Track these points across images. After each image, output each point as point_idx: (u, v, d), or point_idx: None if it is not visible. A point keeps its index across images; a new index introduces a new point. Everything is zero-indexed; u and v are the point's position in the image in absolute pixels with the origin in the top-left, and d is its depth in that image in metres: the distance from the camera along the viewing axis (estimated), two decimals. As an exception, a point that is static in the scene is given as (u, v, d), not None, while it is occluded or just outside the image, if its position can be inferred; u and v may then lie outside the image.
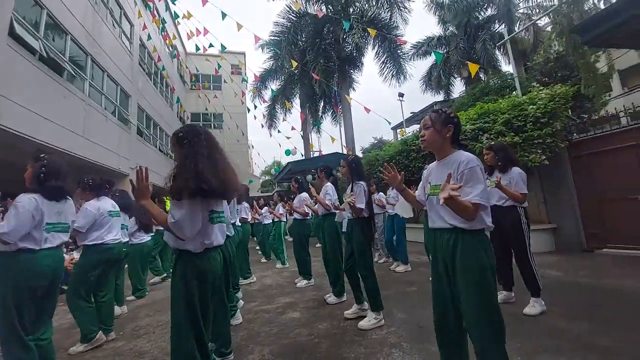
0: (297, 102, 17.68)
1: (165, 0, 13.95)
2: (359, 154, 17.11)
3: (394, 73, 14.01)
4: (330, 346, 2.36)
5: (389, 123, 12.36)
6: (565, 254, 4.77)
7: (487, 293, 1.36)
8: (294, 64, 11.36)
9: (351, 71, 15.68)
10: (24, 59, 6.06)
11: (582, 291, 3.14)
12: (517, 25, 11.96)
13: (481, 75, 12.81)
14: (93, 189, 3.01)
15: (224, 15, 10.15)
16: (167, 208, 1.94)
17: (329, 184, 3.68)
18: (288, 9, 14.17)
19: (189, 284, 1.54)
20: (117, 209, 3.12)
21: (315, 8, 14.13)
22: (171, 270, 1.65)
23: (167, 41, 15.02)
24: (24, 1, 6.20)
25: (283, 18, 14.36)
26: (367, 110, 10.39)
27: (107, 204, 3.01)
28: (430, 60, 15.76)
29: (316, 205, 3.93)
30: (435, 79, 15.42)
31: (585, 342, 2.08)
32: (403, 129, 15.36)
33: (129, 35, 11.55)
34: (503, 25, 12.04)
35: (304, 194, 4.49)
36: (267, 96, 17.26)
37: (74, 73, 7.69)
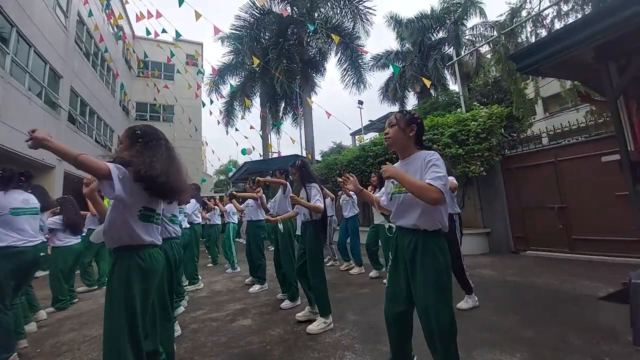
0: (257, 100, 17.25)
1: (111, -25, 12.50)
2: (318, 157, 17.28)
3: (354, 81, 14.52)
4: (283, 353, 2.28)
5: (349, 129, 12.76)
6: (497, 256, 5.36)
7: (446, 292, 1.46)
8: (256, 61, 11.05)
9: (314, 75, 15.84)
10: None
11: (509, 288, 3.54)
12: (464, 49, 13.28)
13: (431, 92, 13.91)
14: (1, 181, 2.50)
15: (180, 1, 9.46)
16: (106, 203, 1.79)
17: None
18: (251, 4, 13.80)
19: (129, 285, 1.44)
20: (32, 205, 2.66)
21: (280, 7, 14.00)
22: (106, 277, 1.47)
23: (112, 20, 13.50)
24: None
25: (246, 12, 13.96)
26: (328, 114, 10.55)
27: (14, 199, 2.53)
28: (388, 72, 16.66)
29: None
30: (392, 91, 16.34)
31: (513, 335, 2.33)
32: (361, 136, 15.92)
33: (64, 9, 10.10)
34: (452, 48, 13.27)
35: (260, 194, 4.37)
36: (225, 91, 16.55)
37: (-12, 43, 6.45)
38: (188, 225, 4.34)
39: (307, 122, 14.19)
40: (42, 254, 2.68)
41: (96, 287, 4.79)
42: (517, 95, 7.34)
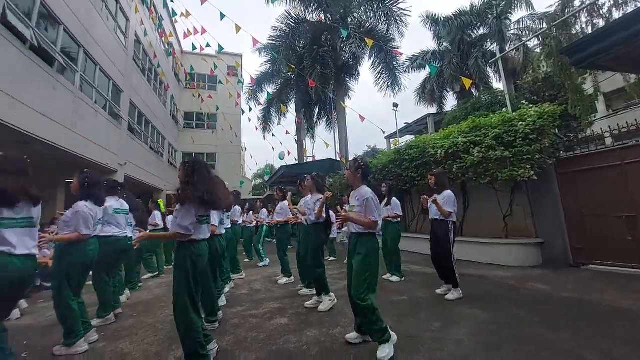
0: (292, 106, 17.73)
1: (163, -2, 13.84)
2: (352, 161, 17.21)
3: (389, 84, 14.27)
4: (319, 354, 2.31)
5: (383, 132, 12.58)
6: (552, 268, 4.86)
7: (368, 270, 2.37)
8: (291, 68, 11.41)
9: (347, 79, 15.89)
10: (14, 47, 5.87)
11: (565, 305, 3.20)
12: (508, 45, 12.41)
13: (473, 91, 13.17)
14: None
15: (222, 15, 10.15)
16: (162, 208, 2.37)
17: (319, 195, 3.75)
18: (287, 14, 14.31)
19: (187, 266, 2.15)
20: (125, 207, 3.65)
21: (314, 15, 14.33)
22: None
23: (164, 38, 14.88)
24: (17, -12, 6.03)
25: (282, 23, 14.49)
26: (362, 118, 10.51)
27: (115, 201, 3.53)
28: (424, 73, 16.16)
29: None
30: (429, 92, 15.78)
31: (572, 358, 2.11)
32: (396, 139, 15.57)
33: (124, 30, 11.38)
34: (495, 44, 12.47)
35: (285, 203, 5.03)
36: (262, 99, 17.27)
37: (65, 64, 7.49)
38: (229, 226, 4.81)
39: (340, 126, 14.24)
40: (129, 242, 3.55)
41: (157, 273, 5.89)
42: (573, 91, 6.68)
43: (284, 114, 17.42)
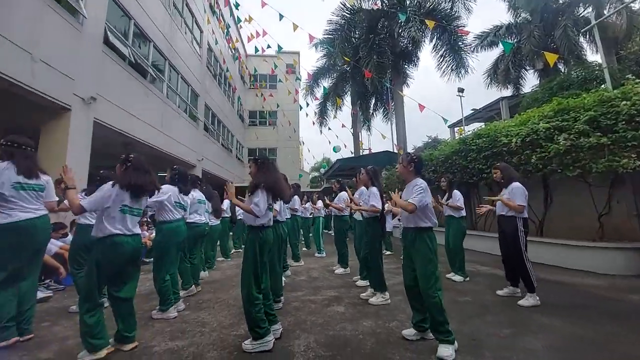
0: (348, 99, 17.66)
1: (229, 6, 15.07)
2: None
3: (453, 67, 13.06)
4: (376, 345, 2.35)
5: (445, 121, 11.54)
6: (666, 280, 3.94)
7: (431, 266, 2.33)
8: (347, 60, 11.34)
9: (405, 66, 15.08)
10: (116, 64, 7.16)
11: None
12: (607, 8, 10.15)
13: (560, 67, 11.20)
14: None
15: (281, 16, 10.60)
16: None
17: (372, 188, 3.70)
18: (342, 5, 14.17)
19: (255, 250, 2.43)
20: (203, 197, 4.19)
21: (371, 3, 13.88)
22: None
23: (231, 44, 16.24)
24: (114, 12, 7.27)
25: (337, 15, 14.41)
26: (422, 107, 9.91)
27: (197, 193, 4.08)
28: (497, 51, 14.34)
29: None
30: (503, 72, 13.98)
31: None
32: (461, 127, 14.28)
33: (199, 41, 12.81)
34: (589, 9, 10.34)
35: (344, 194, 5.08)
36: (318, 94, 17.60)
37: (154, 75, 8.83)
38: (289, 216, 5.03)
39: (398, 117, 13.67)
40: (206, 228, 4.19)
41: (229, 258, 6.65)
42: None
43: (340, 107, 17.47)
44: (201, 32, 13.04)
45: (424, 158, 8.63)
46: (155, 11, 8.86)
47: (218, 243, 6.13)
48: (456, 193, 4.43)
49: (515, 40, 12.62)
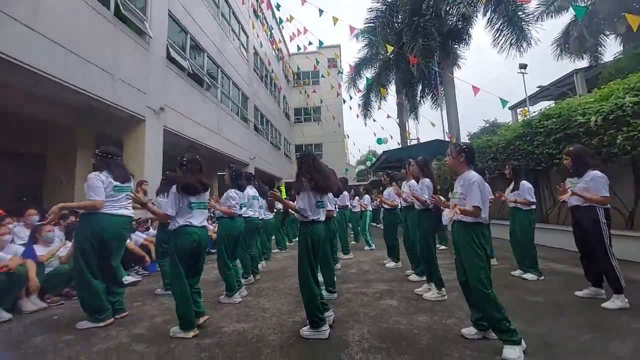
0: (392, 88, 16.99)
1: (271, 8, 15.60)
2: (465, 139, 15.20)
3: (512, 41, 11.62)
4: (432, 341, 2.30)
5: (505, 102, 10.32)
6: None
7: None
8: (389, 48, 10.90)
9: (455, 46, 13.89)
10: (178, 76, 7.97)
11: None
12: None
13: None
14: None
15: (320, 12, 10.61)
16: (283, 195, 2.81)
17: (424, 180, 3.57)
18: (383, -9, 13.59)
19: (307, 243, 2.54)
20: (256, 194, 4.49)
21: (415, -17, 13.05)
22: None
23: (274, 46, 16.83)
24: (173, 29, 8.07)
25: (377, 2, 13.88)
26: (476, 89, 9.09)
27: (250, 189, 4.34)
28: (567, 17, 12.37)
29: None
30: (576, 40, 12.06)
31: None
32: (525, 108, 12.76)
33: (245, 46, 13.54)
34: None
35: (392, 188, 4.91)
36: (361, 85, 17.27)
37: (209, 83, 9.62)
38: (337, 210, 5.19)
39: (449, 102, 12.73)
40: (260, 222, 4.54)
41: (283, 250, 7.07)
42: None
43: (384, 97, 16.90)
44: (247, 37, 13.75)
45: (481, 145, 7.98)
46: (207, 23, 9.60)
47: (273, 236, 6.55)
48: (524, 184, 3.97)
49: (589, 1, 10.73)
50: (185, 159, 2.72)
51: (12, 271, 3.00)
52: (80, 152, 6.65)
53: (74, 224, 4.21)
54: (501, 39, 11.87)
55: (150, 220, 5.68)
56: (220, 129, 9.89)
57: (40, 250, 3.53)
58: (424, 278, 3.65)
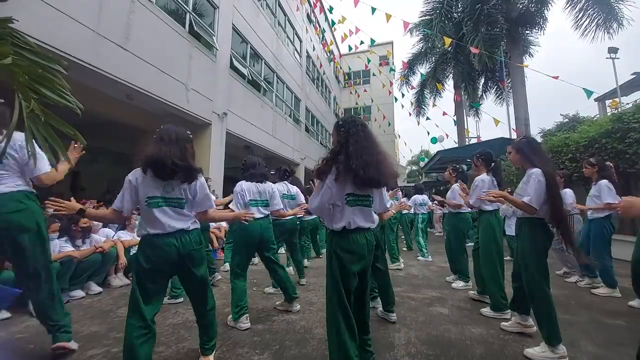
0: (450, 83, 15.88)
1: (324, 12, 15.90)
2: (538, 138, 13.43)
3: (599, 21, 9.87)
4: (485, 353, 2.15)
5: (589, 93, 8.76)
6: None
7: None
8: (447, 41, 10.22)
9: (527, 32, 12.36)
10: (239, 83, 8.68)
11: None
12: None
13: None
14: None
15: (373, 10, 10.48)
16: None
17: (482, 176, 3.11)
18: (442, -20, 12.79)
19: (337, 258, 1.63)
20: (292, 193, 3.92)
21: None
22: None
23: (326, 48, 17.14)
24: (236, 40, 8.79)
25: (435, -8, 13.11)
26: (553, 78, 8.01)
27: (281, 186, 3.82)
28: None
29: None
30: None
31: None
32: (616, 100, 10.80)
33: (299, 50, 14.08)
34: None
35: (456, 185, 3.87)
36: (415, 82, 16.50)
37: (266, 88, 10.27)
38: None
39: (517, 95, 11.40)
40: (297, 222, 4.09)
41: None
42: None
43: (440, 93, 15.89)
44: (300, 41, 14.27)
45: (557, 143, 6.97)
46: (265, 32, 10.27)
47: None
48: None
49: None
50: (245, 160, 2.97)
51: (106, 252, 3.66)
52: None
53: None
54: (585, 20, 10.18)
55: None
56: (274, 130, 10.49)
57: (126, 235, 4.20)
58: (505, 315, 2.79)
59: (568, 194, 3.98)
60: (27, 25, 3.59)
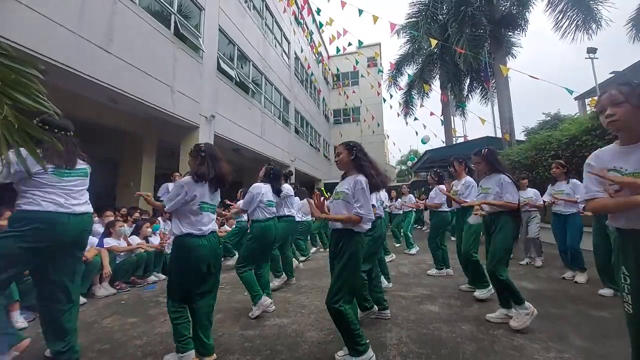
0: (436, 84, 16.15)
1: (312, 14, 15.92)
2: (521, 136, 13.82)
3: (579, 22, 10.25)
4: (477, 351, 2.18)
5: (571, 91, 9.12)
6: None
7: None
8: (433, 42, 10.41)
9: (509, 34, 12.71)
10: (226, 85, 8.58)
11: None
12: None
13: None
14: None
15: (360, 12, 10.56)
16: (325, 194, 2.76)
17: (468, 178, 3.54)
18: (427, -18, 13.00)
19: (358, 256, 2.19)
20: (292, 193, 4.30)
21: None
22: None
23: (314, 50, 17.17)
24: (223, 42, 8.69)
25: (420, -5, 13.31)
26: (535, 78, 8.26)
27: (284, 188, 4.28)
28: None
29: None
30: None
31: None
32: (595, 98, 11.15)
33: (287, 52, 14.04)
34: None
35: (441, 186, 4.50)
36: (402, 83, 16.71)
37: (254, 90, 10.19)
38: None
39: (501, 95, 11.69)
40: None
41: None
42: None
43: (427, 94, 16.14)
44: (289, 43, 14.25)
45: (540, 141, 7.17)
46: (252, 33, 10.19)
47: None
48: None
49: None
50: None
51: (89, 261, 3.54)
52: (145, 158, 7.49)
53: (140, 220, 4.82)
54: (564, 22, 10.55)
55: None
56: (263, 132, 10.42)
57: (111, 242, 4.06)
58: (485, 291, 3.24)
59: (531, 193, 4.92)
60: (4, 27, 3.46)
